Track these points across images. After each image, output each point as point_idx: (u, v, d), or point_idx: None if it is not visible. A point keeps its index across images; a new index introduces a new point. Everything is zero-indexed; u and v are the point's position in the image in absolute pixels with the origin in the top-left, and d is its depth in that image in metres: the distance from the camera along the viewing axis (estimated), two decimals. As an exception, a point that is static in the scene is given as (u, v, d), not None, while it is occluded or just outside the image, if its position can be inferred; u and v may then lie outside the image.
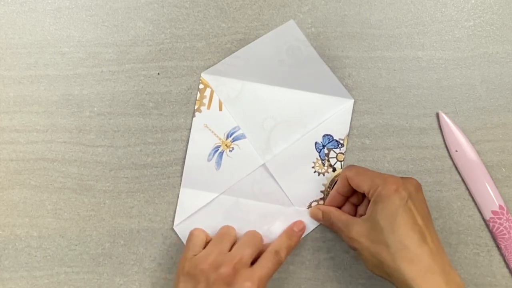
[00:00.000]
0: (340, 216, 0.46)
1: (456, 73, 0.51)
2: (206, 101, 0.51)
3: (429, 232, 0.41)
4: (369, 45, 0.52)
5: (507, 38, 0.52)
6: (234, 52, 0.51)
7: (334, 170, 0.50)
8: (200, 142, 0.51)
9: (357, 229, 0.43)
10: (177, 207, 0.50)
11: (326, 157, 0.51)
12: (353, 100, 0.51)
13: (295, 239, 0.48)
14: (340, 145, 0.51)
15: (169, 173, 0.51)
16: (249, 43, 0.51)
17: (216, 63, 0.51)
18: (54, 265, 0.50)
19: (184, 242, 0.49)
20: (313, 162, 0.51)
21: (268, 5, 0.52)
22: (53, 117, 0.51)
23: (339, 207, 0.49)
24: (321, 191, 0.51)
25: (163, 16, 0.52)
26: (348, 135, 0.51)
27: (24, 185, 0.51)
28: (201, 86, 0.51)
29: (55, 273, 0.50)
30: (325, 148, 0.51)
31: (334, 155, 0.51)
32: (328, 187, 0.51)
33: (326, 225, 0.49)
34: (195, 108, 0.51)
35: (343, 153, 0.51)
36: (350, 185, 0.47)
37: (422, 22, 0.52)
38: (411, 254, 0.40)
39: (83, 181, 0.51)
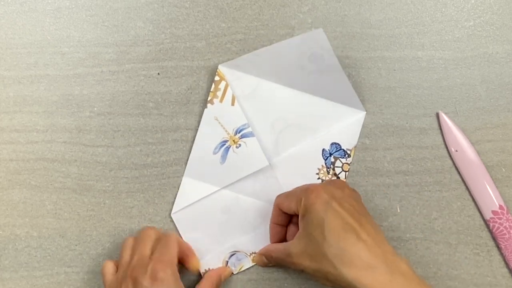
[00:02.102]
0: (278, 248, 0.45)
1: (456, 73, 0.51)
2: (219, 93, 0.51)
3: (362, 227, 0.40)
4: (369, 45, 0.52)
5: (507, 38, 0.52)
6: (234, 52, 0.51)
7: (338, 179, 0.50)
8: (208, 134, 0.51)
9: (294, 251, 0.42)
10: (177, 195, 0.50)
11: (331, 165, 0.51)
12: (365, 112, 0.51)
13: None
14: (347, 155, 0.51)
15: (169, 173, 0.51)
16: (249, 43, 0.51)
17: (216, 63, 0.51)
18: (54, 265, 0.50)
19: (180, 231, 0.50)
20: (318, 169, 0.51)
21: (268, 5, 0.52)
22: (53, 117, 0.51)
23: (283, 238, 0.48)
24: None
25: (163, 16, 0.52)
26: (356, 147, 0.51)
27: (24, 185, 0.51)
28: (216, 78, 0.51)
29: (55, 273, 0.50)
30: (332, 156, 0.51)
31: (340, 164, 0.50)
32: None
33: (275, 264, 0.48)
34: (208, 99, 0.51)
35: (348, 164, 0.51)
36: (283, 212, 0.46)
37: (422, 22, 0.52)
38: (348, 255, 0.39)
39: (83, 181, 0.51)
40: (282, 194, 0.48)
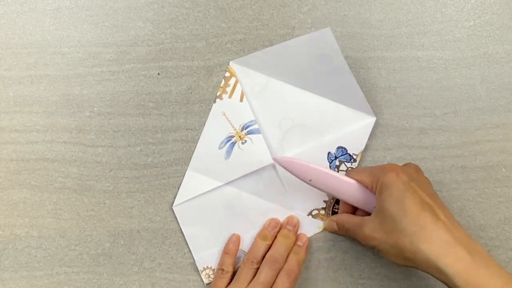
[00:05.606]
0: (352, 219, 0.46)
1: (456, 73, 0.51)
2: (229, 89, 0.51)
3: (440, 208, 0.41)
4: (369, 45, 0.52)
5: (507, 38, 0.52)
6: (234, 52, 0.51)
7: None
8: (215, 128, 0.51)
9: (369, 225, 0.43)
10: (180, 188, 0.50)
11: (336, 169, 0.50)
12: (375, 118, 0.50)
13: (302, 252, 0.48)
14: (352, 160, 0.50)
15: (169, 173, 0.51)
16: (249, 43, 0.51)
17: (216, 63, 0.51)
18: (54, 265, 0.50)
19: (181, 224, 0.50)
20: None
21: (268, 5, 0.52)
22: (53, 117, 0.51)
23: (352, 212, 0.49)
24: (324, 201, 0.50)
25: (163, 16, 0.52)
26: (362, 152, 0.50)
27: (24, 185, 0.51)
28: (227, 74, 0.51)
29: (55, 273, 0.50)
30: (337, 160, 0.50)
31: (345, 168, 0.50)
32: (332, 198, 0.50)
33: (342, 234, 0.49)
34: (217, 94, 0.51)
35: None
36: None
37: (422, 22, 0.52)
38: (427, 232, 0.39)
39: (83, 181, 0.51)
40: (353, 169, 0.49)
